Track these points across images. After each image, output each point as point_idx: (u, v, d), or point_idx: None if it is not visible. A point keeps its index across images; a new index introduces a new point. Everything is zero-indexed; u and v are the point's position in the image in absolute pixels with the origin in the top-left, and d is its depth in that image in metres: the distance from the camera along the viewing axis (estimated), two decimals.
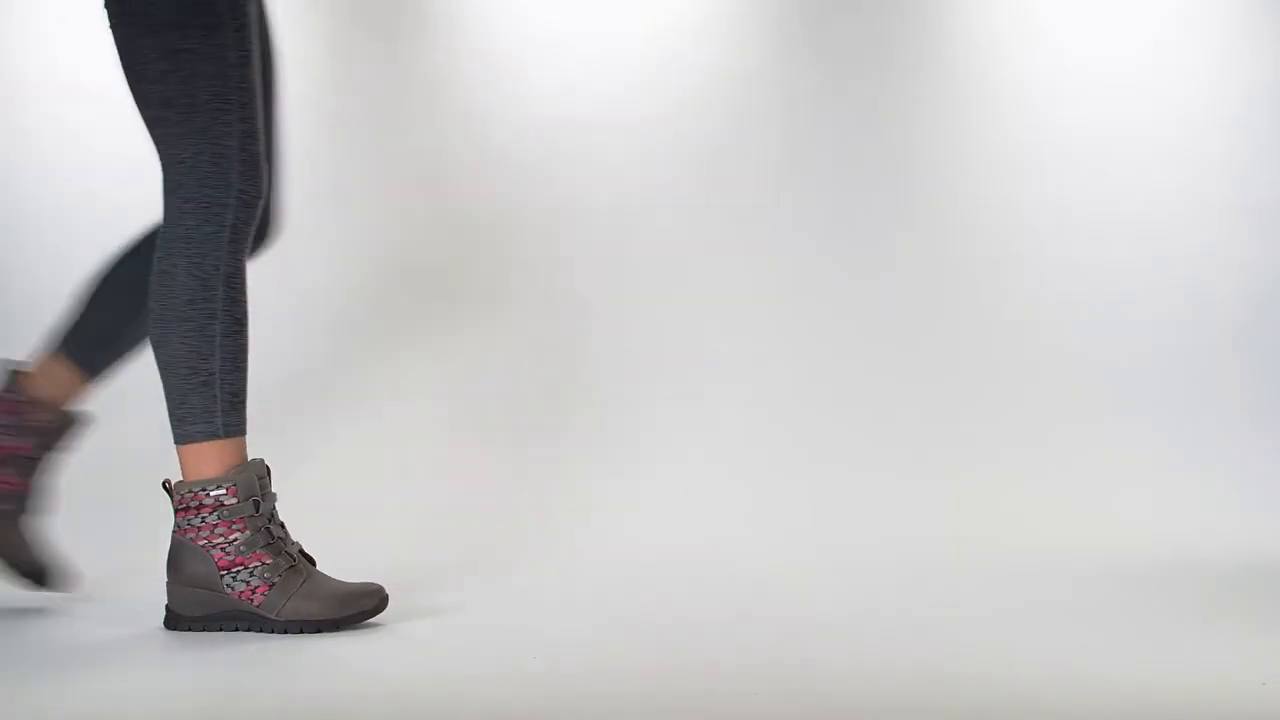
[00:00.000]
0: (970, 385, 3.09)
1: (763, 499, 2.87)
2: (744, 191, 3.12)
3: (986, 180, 3.16)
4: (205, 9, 1.96)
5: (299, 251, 3.09)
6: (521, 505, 2.81)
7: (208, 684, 1.75)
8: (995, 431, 3.03)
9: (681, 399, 3.00)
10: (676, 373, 3.02)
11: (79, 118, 3.04)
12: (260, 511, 1.99)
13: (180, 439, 2.01)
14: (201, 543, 1.98)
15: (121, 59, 2.02)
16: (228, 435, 1.99)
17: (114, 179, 3.04)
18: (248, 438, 2.04)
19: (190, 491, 1.98)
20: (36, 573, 2.15)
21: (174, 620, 2.01)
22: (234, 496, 1.97)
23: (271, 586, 1.96)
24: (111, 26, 2.03)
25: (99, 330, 2.23)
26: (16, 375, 2.16)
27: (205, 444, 1.99)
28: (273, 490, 2.04)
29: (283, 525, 2.04)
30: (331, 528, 2.34)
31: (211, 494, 1.98)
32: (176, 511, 2.02)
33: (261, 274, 3.05)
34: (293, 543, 2.03)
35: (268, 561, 1.97)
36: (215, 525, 1.98)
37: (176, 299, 1.99)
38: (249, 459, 2.02)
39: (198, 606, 1.99)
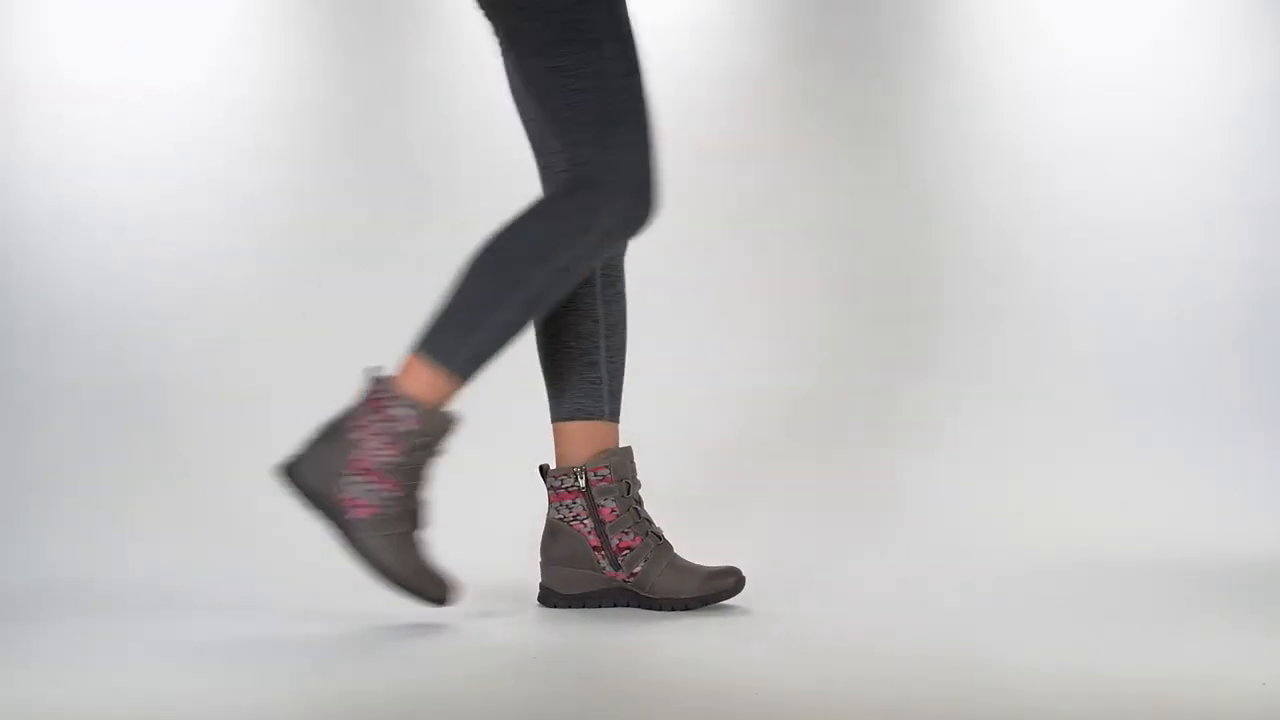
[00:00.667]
0: (968, 385, 3.09)
1: (762, 497, 2.87)
2: (744, 191, 3.12)
3: (986, 180, 3.16)
4: (586, 25, 1.98)
5: (299, 251, 3.09)
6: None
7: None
8: (992, 430, 3.03)
9: (680, 398, 3.00)
10: (676, 372, 3.01)
11: (79, 118, 3.04)
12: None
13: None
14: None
15: (519, 78, 2.07)
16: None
17: (114, 179, 3.04)
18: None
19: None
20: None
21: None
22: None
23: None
24: (502, 52, 2.09)
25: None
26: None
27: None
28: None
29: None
30: None
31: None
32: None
33: (262, 274, 3.06)
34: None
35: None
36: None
37: (519, 253, 2.01)
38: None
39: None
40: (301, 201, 3.10)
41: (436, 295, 3.08)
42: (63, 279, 3.01)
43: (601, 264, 2.16)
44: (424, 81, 3.13)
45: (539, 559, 2.18)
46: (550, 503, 2.15)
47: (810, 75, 3.15)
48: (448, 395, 2.02)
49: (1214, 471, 2.94)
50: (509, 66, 2.16)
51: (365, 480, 1.97)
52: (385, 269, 3.09)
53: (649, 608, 2.10)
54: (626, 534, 2.10)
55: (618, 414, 2.19)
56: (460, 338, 2.01)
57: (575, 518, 2.12)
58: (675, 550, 2.16)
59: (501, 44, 2.08)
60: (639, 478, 2.17)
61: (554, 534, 2.14)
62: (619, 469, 2.12)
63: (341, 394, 3.01)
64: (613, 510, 2.11)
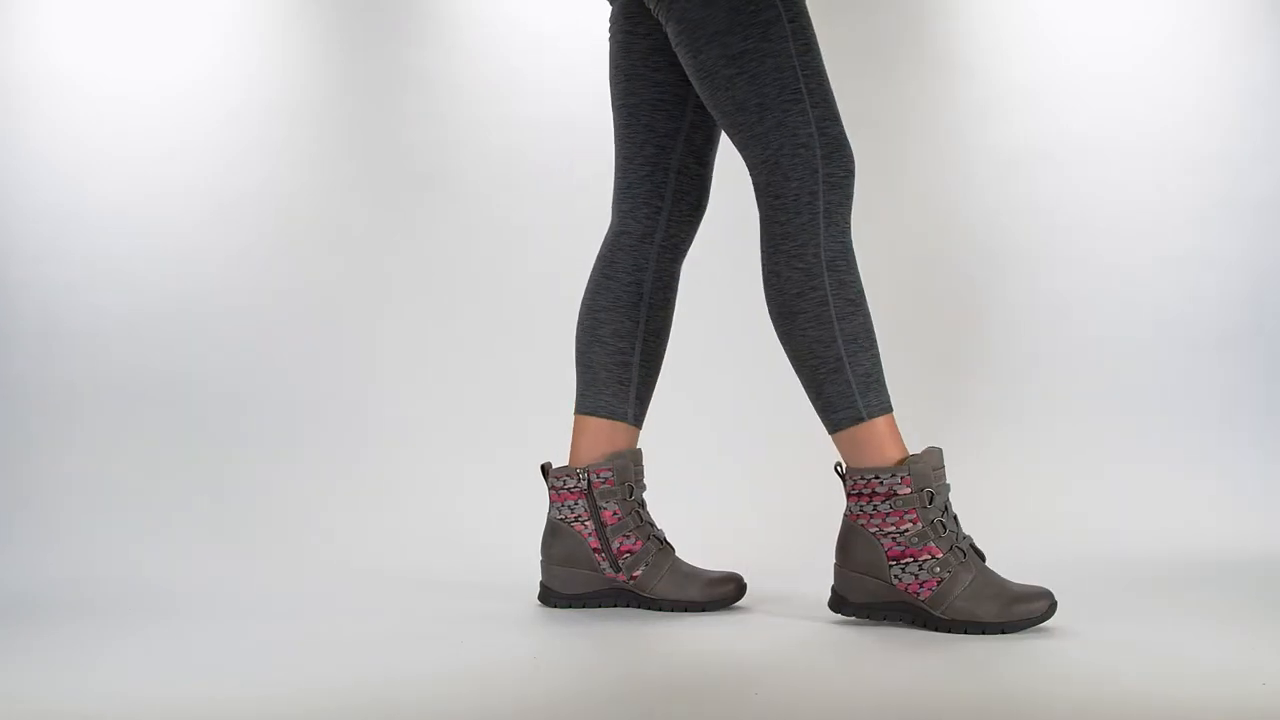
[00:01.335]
0: (965, 384, 3.09)
1: (759, 497, 2.88)
2: (743, 191, 3.12)
3: (985, 180, 3.16)
4: (759, 7, 1.95)
5: (299, 250, 3.09)
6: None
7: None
8: (989, 429, 3.03)
9: (680, 395, 3.00)
10: (677, 372, 3.01)
11: (79, 118, 3.04)
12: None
13: (831, 428, 2.00)
14: (873, 530, 1.95)
15: (694, 77, 2.02)
16: (870, 416, 1.97)
17: (114, 179, 3.04)
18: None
19: (864, 479, 1.96)
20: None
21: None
22: (908, 486, 1.94)
23: (940, 582, 1.91)
24: (676, 46, 2.03)
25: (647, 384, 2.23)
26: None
27: (853, 429, 1.96)
28: (947, 482, 1.98)
29: (955, 518, 2.00)
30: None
31: (885, 481, 1.95)
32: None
33: (262, 273, 3.06)
34: (965, 536, 2.03)
35: (939, 555, 1.92)
36: (888, 514, 1.94)
37: (785, 295, 1.98)
38: (925, 450, 1.97)
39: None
40: (301, 201, 3.10)
41: (436, 294, 3.09)
42: (63, 279, 3.01)
43: (659, 270, 2.17)
44: (424, 81, 3.13)
45: (539, 558, 2.18)
46: (551, 503, 2.15)
47: None
48: (892, 433, 1.97)
49: (1212, 471, 2.94)
50: (624, 71, 2.15)
51: (909, 561, 1.93)
52: (385, 268, 3.09)
53: (649, 607, 2.10)
54: (628, 537, 2.10)
55: (641, 419, 2.18)
56: (843, 389, 1.97)
57: (576, 519, 2.12)
58: (677, 552, 2.16)
59: (675, 40, 2.02)
60: (645, 481, 2.17)
61: (554, 534, 2.14)
62: (622, 472, 2.11)
63: (341, 394, 3.03)
64: (614, 513, 2.10)
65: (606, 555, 2.10)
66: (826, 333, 1.96)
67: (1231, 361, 3.09)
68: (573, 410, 2.21)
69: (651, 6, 2.03)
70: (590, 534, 2.11)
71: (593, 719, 1.54)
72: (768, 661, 1.79)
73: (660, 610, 2.09)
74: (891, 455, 1.95)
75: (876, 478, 1.94)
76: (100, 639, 1.98)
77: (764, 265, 2.01)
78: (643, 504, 2.14)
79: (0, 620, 2.15)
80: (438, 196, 3.11)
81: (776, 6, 1.96)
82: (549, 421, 2.65)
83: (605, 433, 2.14)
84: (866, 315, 2.00)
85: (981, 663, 1.74)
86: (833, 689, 1.64)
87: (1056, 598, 1.92)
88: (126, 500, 2.82)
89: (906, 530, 1.92)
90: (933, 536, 1.92)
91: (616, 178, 2.20)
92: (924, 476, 1.93)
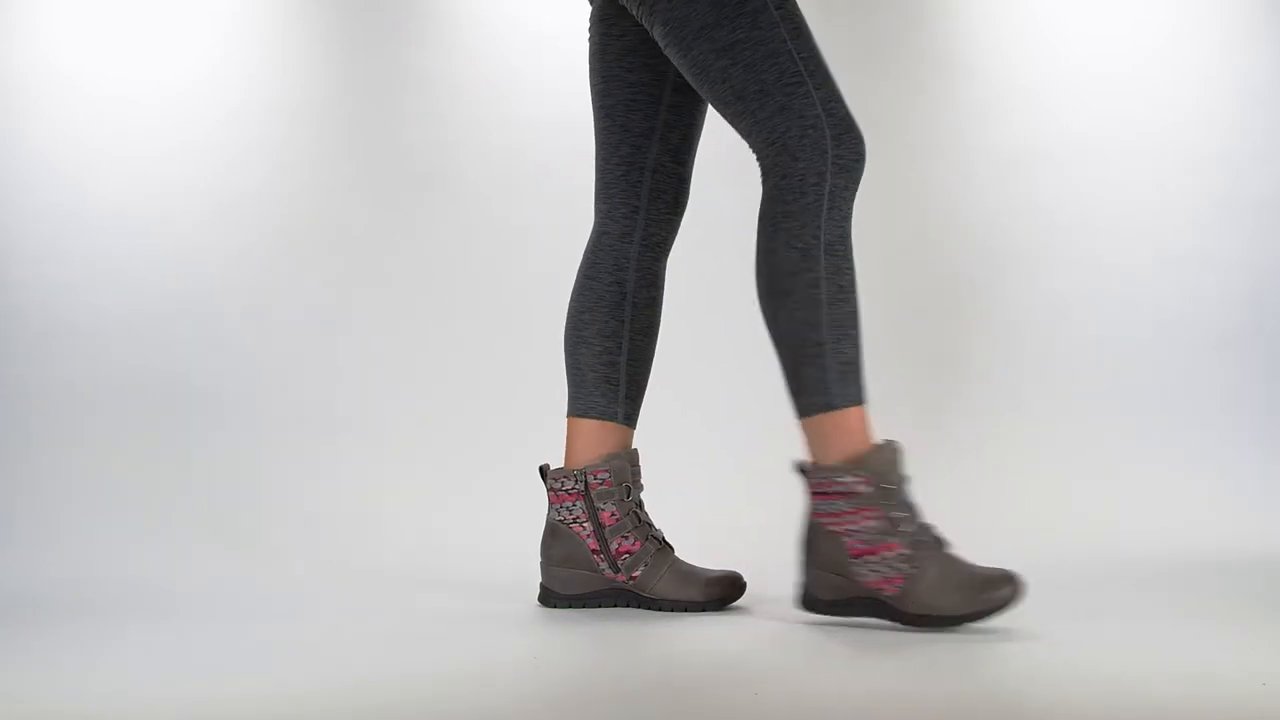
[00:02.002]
0: (964, 384, 3.09)
1: (757, 495, 2.88)
2: (743, 191, 3.12)
3: (985, 180, 3.16)
4: None
5: (299, 250, 3.09)
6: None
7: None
8: (989, 429, 3.03)
9: (677, 397, 3.00)
10: (678, 372, 3.01)
11: (79, 118, 3.04)
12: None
13: (800, 412, 1.98)
14: (836, 528, 1.94)
15: (689, 75, 2.00)
16: (842, 406, 1.94)
17: (114, 179, 3.04)
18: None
19: (824, 477, 1.94)
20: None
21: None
22: (868, 485, 1.92)
23: (907, 578, 1.89)
24: (666, 49, 2.01)
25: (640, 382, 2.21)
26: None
27: (825, 416, 1.94)
28: (905, 474, 1.96)
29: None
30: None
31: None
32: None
33: (262, 273, 3.06)
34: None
35: (902, 550, 1.90)
36: (848, 512, 1.92)
37: (778, 273, 1.96)
38: (883, 442, 1.95)
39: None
40: (301, 201, 3.10)
41: (436, 294, 3.09)
42: (63, 279, 3.01)
43: (641, 269, 2.17)
44: (424, 81, 3.13)
45: (539, 559, 2.18)
46: (550, 504, 2.15)
47: None
48: (861, 427, 1.94)
49: (1212, 471, 2.94)
50: (602, 71, 2.14)
51: (872, 559, 1.92)
52: (385, 268, 3.09)
53: (649, 607, 2.10)
54: (626, 538, 2.10)
55: (634, 418, 2.17)
56: (821, 374, 1.94)
57: (575, 520, 2.12)
58: (677, 551, 2.16)
59: (663, 41, 2.01)
60: (642, 481, 2.17)
61: (554, 535, 2.14)
62: (619, 473, 2.11)
63: (341, 393, 3.03)
64: (612, 514, 2.10)
65: (605, 556, 2.10)
66: (814, 316, 1.94)
67: (1231, 361, 3.09)
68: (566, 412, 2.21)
69: (634, 11, 2.03)
70: (589, 535, 2.11)
71: (593, 719, 1.54)
72: (767, 661, 1.79)
73: (660, 610, 2.09)
74: (856, 448, 1.93)
75: (836, 477, 1.92)
76: (100, 639, 1.98)
77: (760, 243, 1.98)
78: (641, 504, 2.15)
79: (0, 620, 2.15)
80: (438, 196, 3.11)
81: None
82: (549, 421, 2.64)
83: (597, 434, 2.14)
84: (855, 304, 1.98)
85: (981, 663, 1.74)
86: (833, 689, 1.64)
87: (1060, 596, 1.92)
88: (126, 500, 2.82)
89: (868, 527, 1.91)
90: (894, 532, 1.91)
91: (596, 178, 2.21)
92: (882, 473, 1.91)
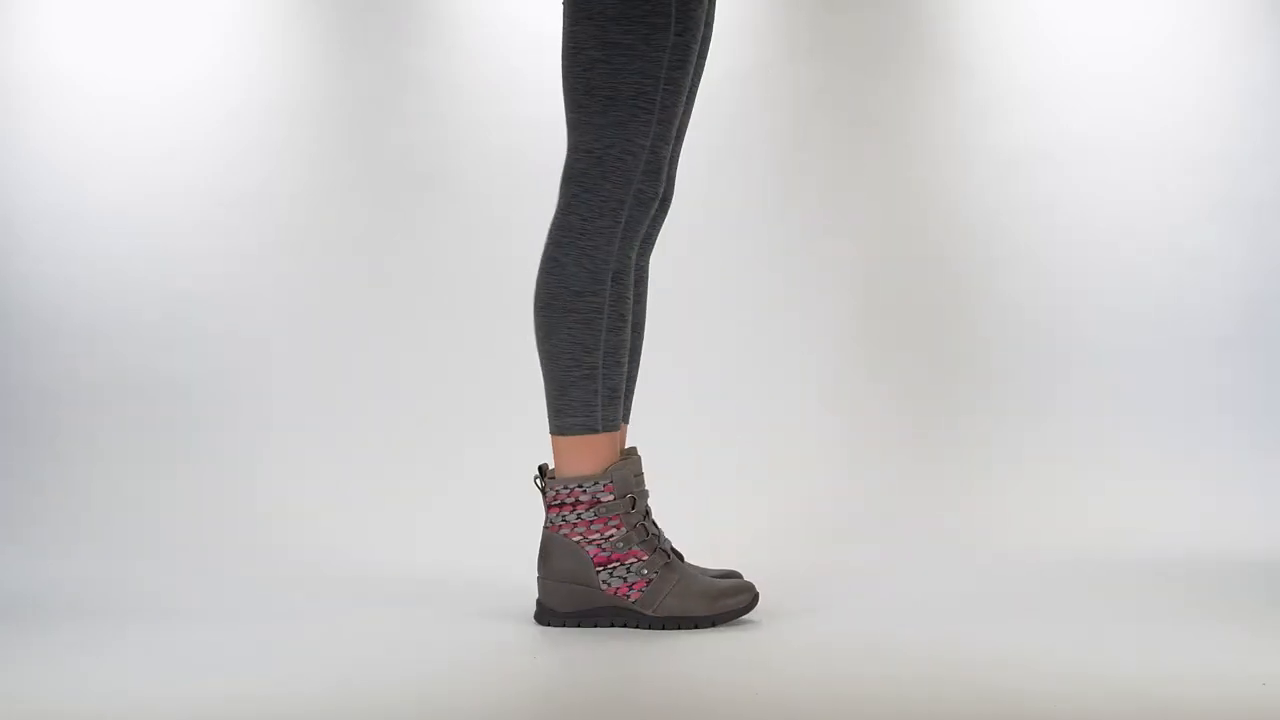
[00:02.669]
0: (964, 384, 3.08)
1: (756, 493, 2.88)
2: (743, 191, 3.12)
3: (985, 180, 3.16)
4: (654, 7, 1.94)
5: (299, 250, 3.09)
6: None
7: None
8: (988, 429, 3.02)
9: (683, 398, 3.00)
10: (680, 372, 3.01)
11: (79, 118, 3.04)
12: (636, 508, 2.02)
13: (557, 430, 2.01)
14: (576, 538, 1.99)
15: (563, 39, 1.99)
16: (605, 429, 2.00)
17: (114, 179, 3.04)
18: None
19: (566, 488, 1.99)
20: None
21: (545, 615, 2.03)
22: (611, 493, 1.98)
23: (649, 583, 1.96)
24: (563, 4, 2.00)
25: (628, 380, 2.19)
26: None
27: (581, 438, 1.99)
28: (645, 488, 2.04)
29: (655, 522, 2.05)
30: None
31: (588, 490, 1.99)
32: (549, 507, 2.03)
33: (262, 273, 3.06)
34: (665, 539, 2.05)
35: (644, 558, 1.97)
36: (591, 521, 1.99)
37: (565, 289, 1.98)
38: (627, 453, 2.04)
39: (570, 602, 2.00)
40: (301, 201, 3.10)
41: (436, 294, 3.09)
42: (63, 278, 3.01)
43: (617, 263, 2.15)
44: (424, 81, 3.13)
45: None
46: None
47: (811, 75, 3.15)
48: (612, 448, 2.01)
49: (1212, 471, 2.94)
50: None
51: (615, 565, 1.97)
52: (385, 268, 3.09)
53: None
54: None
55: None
56: (589, 398, 2.00)
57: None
58: (685, 555, 2.12)
59: (567, 4, 2.00)
60: (645, 487, 2.07)
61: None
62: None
63: (340, 393, 3.03)
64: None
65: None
66: (592, 340, 1.99)
67: (1231, 361, 3.08)
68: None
69: None
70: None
71: (592, 718, 1.54)
72: (767, 662, 1.79)
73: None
74: (603, 464, 2.00)
75: (580, 486, 1.98)
76: (100, 639, 1.98)
77: (547, 251, 2.02)
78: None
79: (0, 620, 2.15)
80: (438, 196, 3.11)
81: (669, 15, 1.95)
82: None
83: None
84: (629, 335, 2.06)
85: (979, 663, 1.74)
86: (833, 690, 1.64)
87: (1059, 596, 1.91)
88: (126, 500, 2.82)
89: (611, 536, 1.98)
90: (637, 540, 1.99)
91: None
92: (626, 483, 1.99)
